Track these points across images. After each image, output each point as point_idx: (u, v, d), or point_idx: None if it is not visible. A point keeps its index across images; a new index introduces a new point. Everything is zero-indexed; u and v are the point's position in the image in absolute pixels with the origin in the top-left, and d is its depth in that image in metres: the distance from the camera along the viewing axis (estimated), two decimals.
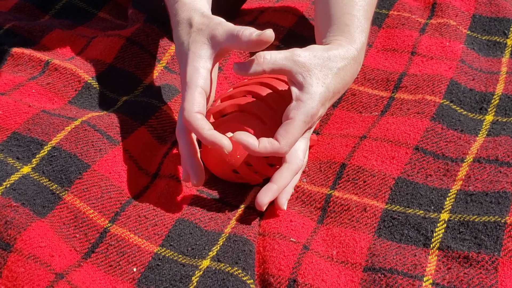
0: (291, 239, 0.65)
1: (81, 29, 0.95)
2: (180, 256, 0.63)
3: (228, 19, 0.95)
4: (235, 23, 0.95)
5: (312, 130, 0.70)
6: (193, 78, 0.65)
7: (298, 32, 0.94)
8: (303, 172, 0.74)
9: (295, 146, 0.67)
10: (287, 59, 0.66)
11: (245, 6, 1.04)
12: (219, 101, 0.75)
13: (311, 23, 0.97)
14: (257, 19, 0.97)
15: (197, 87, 0.65)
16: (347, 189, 0.71)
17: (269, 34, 0.64)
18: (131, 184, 0.70)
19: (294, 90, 0.67)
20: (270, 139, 0.65)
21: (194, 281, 0.60)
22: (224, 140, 0.63)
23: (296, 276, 0.61)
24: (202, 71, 0.66)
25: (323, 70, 0.67)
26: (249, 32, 0.65)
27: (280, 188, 0.66)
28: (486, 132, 0.77)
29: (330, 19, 0.75)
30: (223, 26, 0.67)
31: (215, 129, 0.65)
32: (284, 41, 0.92)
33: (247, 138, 0.64)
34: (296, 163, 0.67)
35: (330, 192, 0.71)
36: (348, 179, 0.72)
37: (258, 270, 0.63)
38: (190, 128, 0.64)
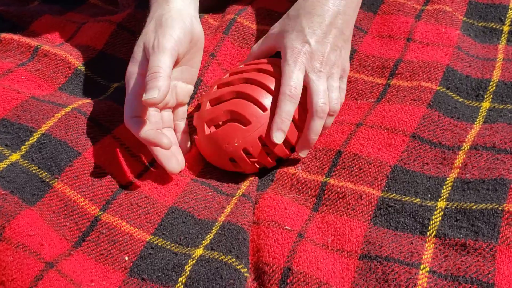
0: (286, 227, 0.64)
1: (71, 14, 0.94)
2: (172, 245, 0.62)
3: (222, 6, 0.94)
4: (228, 10, 0.93)
5: (340, 74, 0.75)
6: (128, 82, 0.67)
7: None
8: (300, 162, 0.73)
9: (313, 89, 0.71)
10: (267, 37, 0.76)
11: None
12: (215, 87, 0.74)
13: None
14: (251, 3, 0.95)
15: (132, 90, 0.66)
16: (343, 177, 0.70)
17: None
18: (123, 171, 0.69)
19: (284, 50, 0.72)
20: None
21: (187, 270, 0.59)
22: (163, 139, 0.64)
23: (291, 264, 0.61)
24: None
25: (298, 19, 0.73)
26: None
27: (308, 137, 0.71)
28: (483, 119, 0.76)
29: None
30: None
31: (212, 114, 0.64)
32: None
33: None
34: (315, 109, 0.70)
35: (325, 180, 0.70)
36: (343, 166, 0.71)
37: (252, 258, 0.63)
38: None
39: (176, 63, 0.69)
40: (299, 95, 0.70)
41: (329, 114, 0.72)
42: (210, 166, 0.73)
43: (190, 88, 0.75)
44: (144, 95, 0.63)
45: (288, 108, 0.69)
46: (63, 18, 0.91)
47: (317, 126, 0.70)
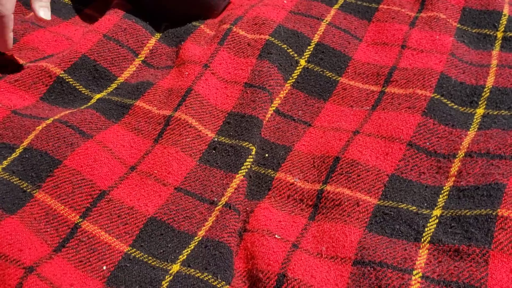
0: (276, 235, 0.64)
1: (65, 25, 0.93)
2: (150, 258, 0.62)
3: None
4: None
5: None
6: None
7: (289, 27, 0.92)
8: (298, 170, 0.72)
9: None
10: None
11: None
12: None
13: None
14: (247, 12, 0.94)
15: None
16: (340, 183, 0.69)
17: None
18: (104, 175, 0.68)
19: None
20: None
21: (164, 285, 0.59)
22: None
23: (286, 271, 0.60)
24: None
25: None
26: None
27: None
28: (477, 126, 0.76)
29: None
30: None
31: None
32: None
33: None
34: None
35: (322, 187, 0.69)
36: (341, 172, 0.70)
37: (246, 266, 0.62)
38: None
39: None
40: None
41: None
42: (197, 172, 0.70)
43: None
44: None
45: None
46: (57, 33, 0.90)
47: None
